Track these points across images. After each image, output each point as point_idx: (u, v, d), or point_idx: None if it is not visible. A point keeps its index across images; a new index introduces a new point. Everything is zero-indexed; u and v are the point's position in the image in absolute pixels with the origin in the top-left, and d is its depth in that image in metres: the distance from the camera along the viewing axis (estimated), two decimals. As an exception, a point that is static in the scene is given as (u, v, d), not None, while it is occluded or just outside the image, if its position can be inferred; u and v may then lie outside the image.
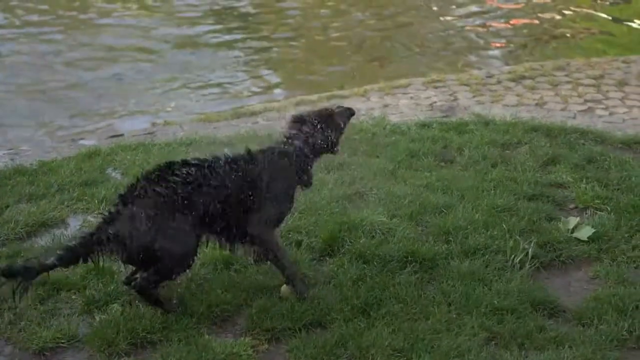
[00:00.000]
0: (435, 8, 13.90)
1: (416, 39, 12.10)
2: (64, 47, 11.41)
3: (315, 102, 8.54)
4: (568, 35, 12.33)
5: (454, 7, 13.97)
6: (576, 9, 13.68)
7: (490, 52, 11.47)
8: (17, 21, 12.80)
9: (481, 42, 11.96)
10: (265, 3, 14.07)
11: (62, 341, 4.16)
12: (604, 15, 13.20)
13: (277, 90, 10.14)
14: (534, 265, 4.89)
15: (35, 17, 12.97)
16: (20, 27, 12.48)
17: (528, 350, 4.13)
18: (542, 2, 14.20)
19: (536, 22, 13.01)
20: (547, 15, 13.32)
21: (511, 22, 12.95)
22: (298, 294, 4.46)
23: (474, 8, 13.91)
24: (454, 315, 4.35)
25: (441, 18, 13.35)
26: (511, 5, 13.93)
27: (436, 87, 8.96)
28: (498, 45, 11.84)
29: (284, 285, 4.53)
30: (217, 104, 9.30)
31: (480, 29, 12.61)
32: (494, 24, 12.85)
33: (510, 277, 4.73)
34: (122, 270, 4.63)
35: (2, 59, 10.93)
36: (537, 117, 7.74)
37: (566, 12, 13.54)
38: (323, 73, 10.70)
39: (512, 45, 11.85)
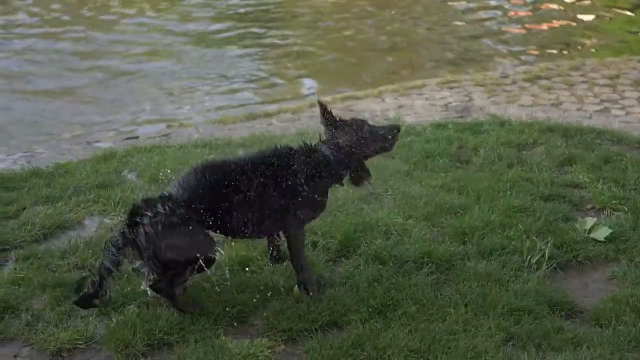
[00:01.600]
0: (464, 8, 13.85)
1: (449, 42, 12.01)
2: (79, 49, 11.47)
3: (329, 103, 8.53)
4: (603, 36, 12.25)
5: (475, 8, 13.88)
6: (612, 9, 13.61)
7: (524, 57, 11.33)
8: (32, 22, 12.88)
9: (518, 45, 11.84)
10: (290, 6, 14.05)
11: (80, 342, 4.17)
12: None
13: (302, 92, 10.10)
14: (551, 265, 4.86)
15: (52, 19, 13.06)
16: (35, 28, 12.56)
17: (545, 351, 4.10)
18: (580, 3, 14.11)
19: (573, 23, 12.92)
20: (585, 17, 13.21)
21: (547, 24, 12.86)
22: (312, 298, 4.45)
23: (507, 6, 13.84)
24: (471, 316, 4.33)
25: (472, 18, 13.28)
26: (548, 6, 13.86)
27: (451, 88, 8.94)
28: (533, 47, 11.74)
29: (296, 286, 4.53)
30: (236, 106, 9.29)
31: (516, 31, 12.53)
32: (533, 26, 12.76)
33: (527, 277, 4.71)
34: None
35: (18, 60, 10.99)
36: (552, 117, 7.70)
37: (601, 13, 13.46)
38: (350, 75, 10.63)
39: (547, 48, 11.73)
